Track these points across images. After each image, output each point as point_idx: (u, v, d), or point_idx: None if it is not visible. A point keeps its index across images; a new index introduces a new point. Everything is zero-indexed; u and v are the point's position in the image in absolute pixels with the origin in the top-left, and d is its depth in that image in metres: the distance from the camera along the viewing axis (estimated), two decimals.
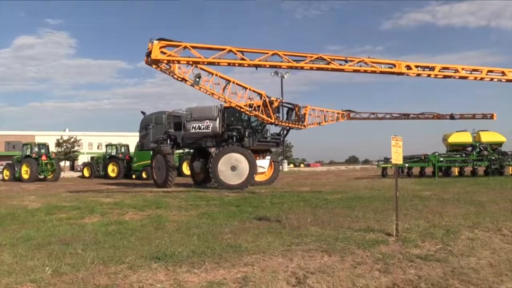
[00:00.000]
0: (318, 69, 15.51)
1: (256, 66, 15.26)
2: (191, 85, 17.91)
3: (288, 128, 23.50)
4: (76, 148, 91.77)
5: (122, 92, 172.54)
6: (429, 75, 15.79)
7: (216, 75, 19.24)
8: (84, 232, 8.83)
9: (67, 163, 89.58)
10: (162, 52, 15.13)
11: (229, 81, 19.85)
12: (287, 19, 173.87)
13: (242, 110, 20.72)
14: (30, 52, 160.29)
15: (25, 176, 34.91)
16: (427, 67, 15.75)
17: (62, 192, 20.85)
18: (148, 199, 16.17)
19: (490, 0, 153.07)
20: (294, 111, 23.59)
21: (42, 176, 36.28)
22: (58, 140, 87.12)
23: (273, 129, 24.58)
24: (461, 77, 16.05)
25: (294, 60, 15.16)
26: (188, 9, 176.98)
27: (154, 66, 16.15)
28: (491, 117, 29.10)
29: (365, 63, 15.28)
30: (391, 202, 12.04)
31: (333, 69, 15.44)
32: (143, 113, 26.56)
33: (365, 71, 15.66)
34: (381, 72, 15.71)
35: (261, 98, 21.14)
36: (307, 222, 9.37)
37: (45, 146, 38.58)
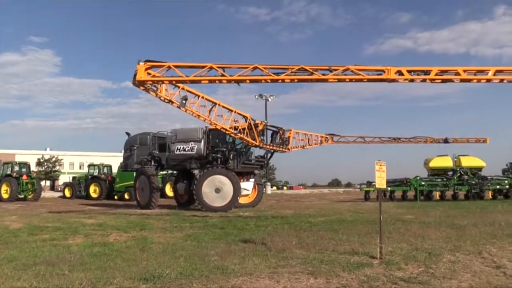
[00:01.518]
0: (300, 81, 15.13)
1: (237, 81, 14.97)
2: (178, 107, 17.98)
3: (272, 151, 23.65)
4: (57, 167, 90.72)
5: (105, 111, 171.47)
6: (424, 80, 14.35)
7: (203, 97, 19.38)
8: (69, 253, 8.78)
9: (48, 182, 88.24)
10: (148, 73, 15.17)
11: (215, 103, 19.99)
12: (271, 43, 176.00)
13: (227, 132, 20.85)
14: (13, 70, 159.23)
15: (5, 196, 34.23)
16: (422, 71, 14.32)
17: (44, 212, 20.56)
18: (132, 220, 16.06)
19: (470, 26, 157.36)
20: (279, 134, 23.79)
21: (22, 196, 35.61)
22: (39, 159, 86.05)
23: (257, 152, 24.77)
24: (463, 80, 14.52)
25: (275, 73, 14.59)
26: (173, 33, 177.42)
27: (141, 87, 16.23)
28: (484, 141, 29.99)
29: (351, 71, 14.20)
30: (374, 225, 12.21)
31: (316, 80, 14.85)
32: (127, 134, 26.56)
33: (351, 80, 14.68)
34: (369, 80, 14.65)
35: (246, 121, 21.31)
36: (292, 245, 9.47)
37: (26, 165, 38.02)
